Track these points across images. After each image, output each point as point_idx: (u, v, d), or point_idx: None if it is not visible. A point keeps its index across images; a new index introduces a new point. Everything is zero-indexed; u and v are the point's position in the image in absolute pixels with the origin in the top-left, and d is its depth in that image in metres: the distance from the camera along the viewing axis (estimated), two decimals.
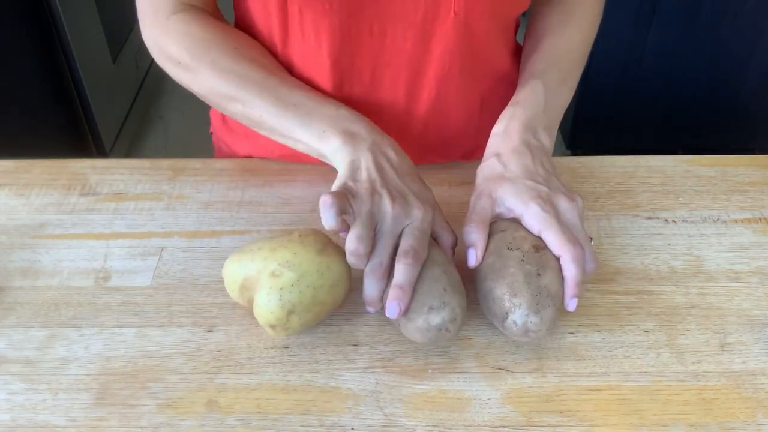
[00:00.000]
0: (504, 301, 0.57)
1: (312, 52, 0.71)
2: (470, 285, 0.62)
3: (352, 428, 0.55)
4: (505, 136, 0.67)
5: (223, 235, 0.71)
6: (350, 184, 0.60)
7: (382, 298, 0.59)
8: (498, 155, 0.66)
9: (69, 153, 1.87)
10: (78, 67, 1.82)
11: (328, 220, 0.56)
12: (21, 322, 0.63)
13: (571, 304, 0.59)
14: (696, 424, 0.56)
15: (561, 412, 0.56)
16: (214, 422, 0.56)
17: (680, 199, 0.75)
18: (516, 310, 0.57)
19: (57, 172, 0.79)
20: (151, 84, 2.34)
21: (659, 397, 0.57)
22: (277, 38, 0.72)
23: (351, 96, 0.73)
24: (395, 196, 0.60)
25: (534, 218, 0.61)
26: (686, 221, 0.73)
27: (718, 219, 0.73)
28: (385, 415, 0.56)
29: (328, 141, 0.63)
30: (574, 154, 2.10)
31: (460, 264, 0.61)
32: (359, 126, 0.64)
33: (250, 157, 0.83)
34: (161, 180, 0.78)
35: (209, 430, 0.55)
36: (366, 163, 0.61)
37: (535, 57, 0.74)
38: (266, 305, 0.57)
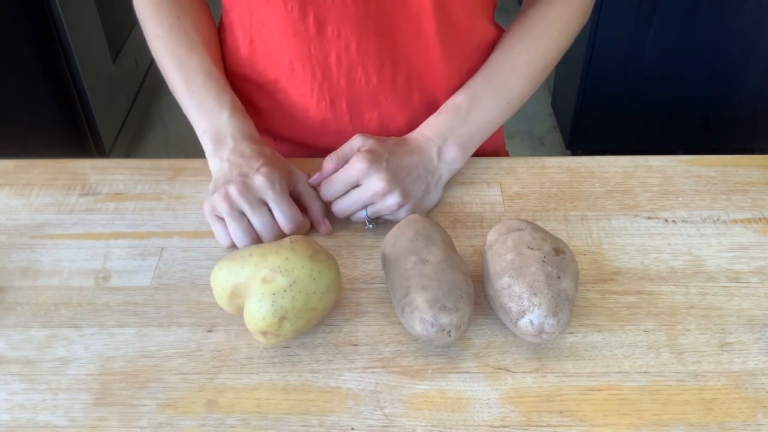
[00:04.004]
0: (523, 299, 0.57)
1: (296, 24, 0.72)
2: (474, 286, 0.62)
3: (352, 428, 0.55)
4: (412, 135, 0.74)
5: None
6: (212, 199, 0.68)
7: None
8: (388, 138, 0.73)
9: (69, 153, 1.87)
10: (78, 67, 1.82)
11: (221, 243, 0.69)
12: (21, 322, 0.63)
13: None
14: (696, 424, 0.56)
15: (561, 412, 0.56)
16: (214, 422, 0.56)
17: (680, 199, 0.75)
18: (535, 309, 0.57)
19: (57, 172, 0.79)
20: (151, 84, 2.34)
21: (659, 397, 0.57)
22: (257, 14, 0.73)
23: (339, 69, 0.75)
24: (238, 181, 0.67)
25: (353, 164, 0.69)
26: (686, 221, 0.73)
27: (718, 219, 0.73)
28: (385, 415, 0.56)
29: (204, 143, 0.73)
30: (574, 154, 2.10)
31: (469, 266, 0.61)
32: (228, 131, 0.72)
33: None
34: (161, 180, 0.78)
35: (209, 430, 0.55)
36: (224, 171, 0.69)
37: (493, 55, 0.78)
38: (258, 311, 0.57)
